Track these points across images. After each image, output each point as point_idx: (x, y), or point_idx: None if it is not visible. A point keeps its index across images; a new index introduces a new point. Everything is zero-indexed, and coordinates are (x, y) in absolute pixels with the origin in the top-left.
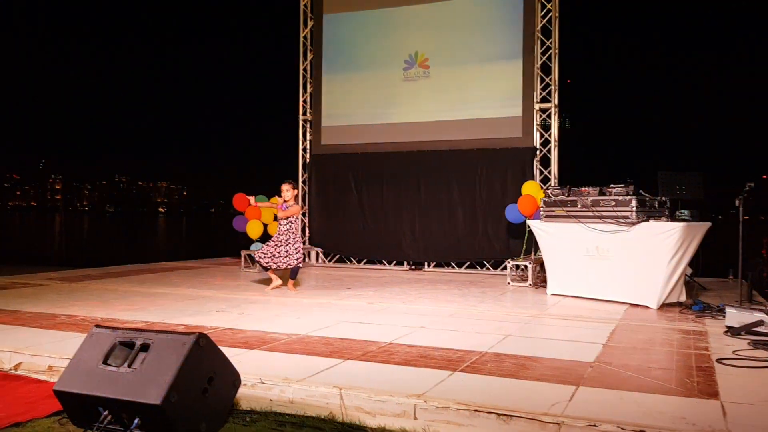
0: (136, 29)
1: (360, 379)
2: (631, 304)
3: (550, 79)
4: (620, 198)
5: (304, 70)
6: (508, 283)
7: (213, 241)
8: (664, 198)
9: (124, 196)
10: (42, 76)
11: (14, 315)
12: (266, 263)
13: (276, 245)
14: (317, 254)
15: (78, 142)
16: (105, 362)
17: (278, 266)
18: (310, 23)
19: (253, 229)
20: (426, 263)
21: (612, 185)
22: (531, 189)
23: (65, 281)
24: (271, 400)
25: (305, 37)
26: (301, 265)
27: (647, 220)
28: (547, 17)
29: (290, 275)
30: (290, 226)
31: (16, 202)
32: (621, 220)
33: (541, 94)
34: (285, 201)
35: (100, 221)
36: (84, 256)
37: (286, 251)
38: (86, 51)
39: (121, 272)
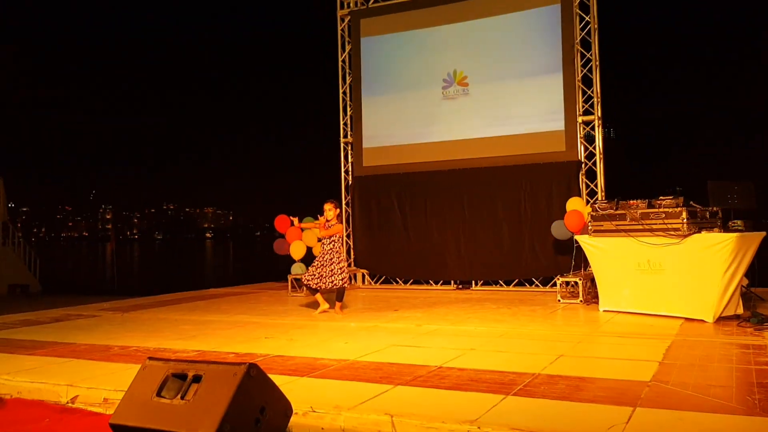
0: (180, 58)
1: (411, 405)
2: (686, 319)
3: (592, 91)
4: (670, 210)
5: (344, 92)
6: (559, 301)
7: (259, 264)
8: (715, 208)
9: (172, 222)
10: (89, 109)
11: (70, 347)
12: (315, 285)
13: (321, 265)
14: (363, 276)
15: (127, 172)
16: (158, 394)
17: (325, 287)
18: (347, 47)
19: (297, 250)
20: (473, 282)
21: (661, 197)
22: (576, 204)
23: (117, 311)
24: (322, 428)
25: (344, 61)
26: (347, 284)
27: (699, 232)
28: (586, 29)
29: (336, 297)
30: (333, 246)
31: (68, 233)
32: (672, 233)
33: (583, 106)
34: (327, 220)
35: (149, 249)
36: (135, 284)
37: (331, 270)
38: (131, 84)
39: (172, 300)
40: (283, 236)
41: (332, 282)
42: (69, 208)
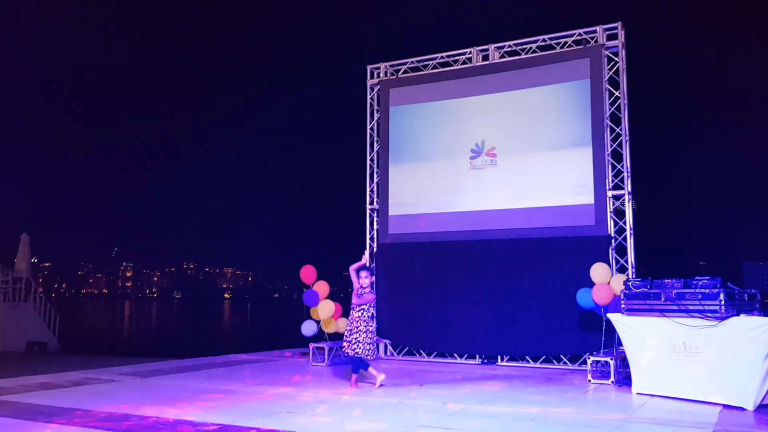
0: (208, 117)
1: None
2: (725, 405)
3: (622, 166)
4: (707, 291)
5: (371, 160)
6: (589, 381)
7: (279, 326)
8: (754, 291)
9: (191, 281)
10: (113, 169)
11: (87, 415)
12: (346, 350)
13: (350, 332)
14: (385, 346)
15: (148, 230)
16: None
17: (352, 353)
18: (376, 115)
19: (326, 308)
20: (499, 356)
21: (697, 277)
22: (602, 272)
23: (136, 376)
24: None
25: (372, 129)
26: (369, 356)
27: (737, 315)
28: (616, 104)
29: (352, 370)
30: (362, 314)
31: (88, 290)
32: (709, 315)
33: (613, 181)
34: (362, 287)
35: (168, 308)
36: (153, 345)
37: (356, 338)
38: (157, 144)
39: (192, 366)
40: (310, 287)
41: (353, 350)
42: (90, 265)
